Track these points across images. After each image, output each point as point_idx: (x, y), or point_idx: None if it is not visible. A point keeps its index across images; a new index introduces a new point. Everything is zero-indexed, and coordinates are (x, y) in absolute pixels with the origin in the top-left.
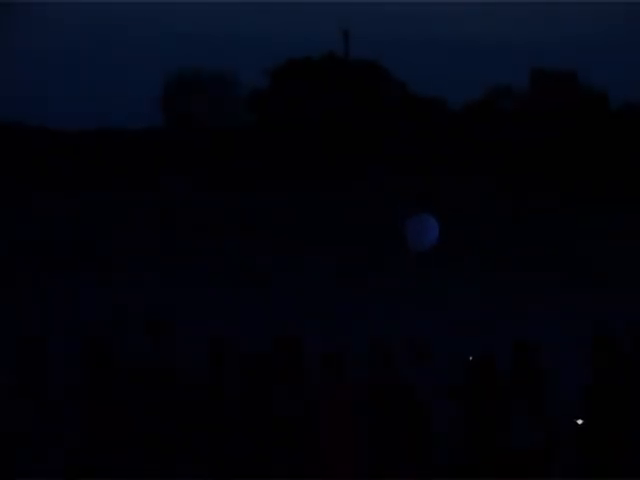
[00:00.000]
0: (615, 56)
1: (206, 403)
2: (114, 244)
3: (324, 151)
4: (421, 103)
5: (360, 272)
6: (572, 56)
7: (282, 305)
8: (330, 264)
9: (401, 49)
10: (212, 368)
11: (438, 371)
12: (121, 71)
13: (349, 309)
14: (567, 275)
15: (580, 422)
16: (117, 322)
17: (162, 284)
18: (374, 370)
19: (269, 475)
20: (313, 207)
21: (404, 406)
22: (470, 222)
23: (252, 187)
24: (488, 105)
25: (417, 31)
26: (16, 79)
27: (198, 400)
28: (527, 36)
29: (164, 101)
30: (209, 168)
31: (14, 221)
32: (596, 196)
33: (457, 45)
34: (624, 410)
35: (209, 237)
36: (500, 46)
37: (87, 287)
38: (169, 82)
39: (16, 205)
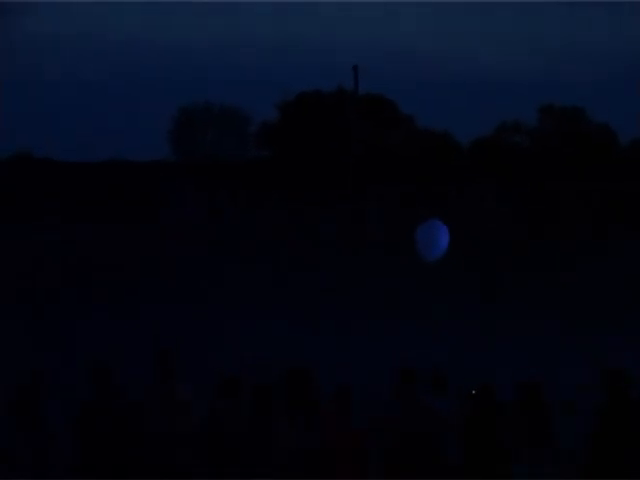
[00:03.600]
0: (623, 93)
1: (212, 435)
2: (120, 274)
3: (334, 183)
4: (429, 137)
5: (371, 298)
6: (580, 92)
7: (293, 335)
8: (340, 292)
9: (412, 85)
10: (220, 400)
11: (451, 400)
12: (132, 104)
13: (363, 339)
14: (577, 309)
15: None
16: (122, 352)
17: (169, 314)
18: (398, 398)
19: None
20: (322, 236)
21: (422, 435)
22: (477, 252)
23: (261, 218)
24: (497, 140)
25: (428, 68)
26: (27, 111)
27: (203, 432)
28: (536, 72)
29: (175, 134)
30: (219, 200)
31: (19, 253)
32: (604, 228)
33: (467, 82)
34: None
35: (214, 268)
36: (509, 82)
37: (94, 317)
38: (180, 115)
39: (22, 236)
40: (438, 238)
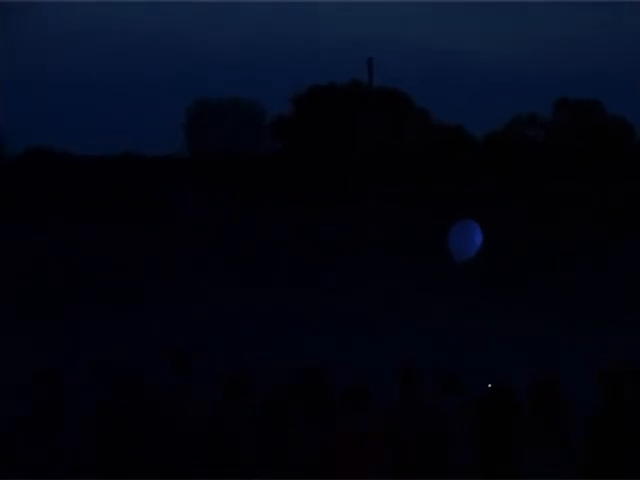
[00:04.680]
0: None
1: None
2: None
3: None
4: (443, 131)
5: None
6: (597, 86)
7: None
8: (348, 291)
9: (427, 79)
10: (227, 400)
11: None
12: (146, 98)
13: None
14: (589, 308)
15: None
16: (123, 352)
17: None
18: (400, 399)
19: None
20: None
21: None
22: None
23: (275, 213)
24: (511, 134)
25: (444, 62)
26: (43, 105)
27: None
28: (552, 66)
29: (188, 128)
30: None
31: (36, 249)
32: (622, 225)
33: (483, 75)
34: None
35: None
36: (525, 76)
37: (95, 317)
38: (193, 109)
39: (39, 233)
40: (472, 238)
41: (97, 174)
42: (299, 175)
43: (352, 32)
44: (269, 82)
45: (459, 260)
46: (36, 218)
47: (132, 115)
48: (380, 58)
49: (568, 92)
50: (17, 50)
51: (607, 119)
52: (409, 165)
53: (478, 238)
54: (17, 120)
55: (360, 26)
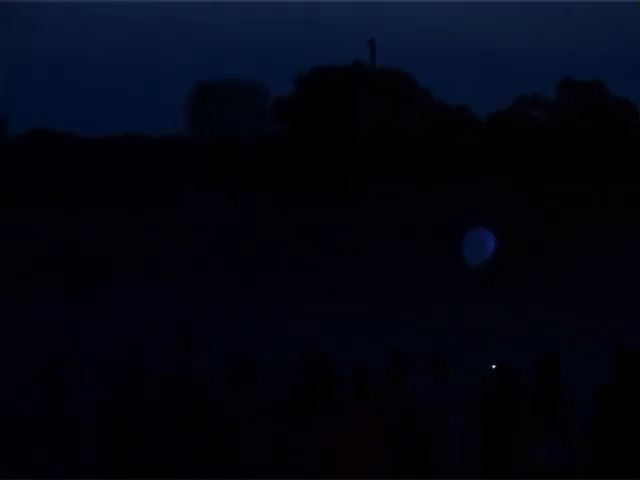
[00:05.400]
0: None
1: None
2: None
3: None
4: (445, 111)
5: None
6: (600, 67)
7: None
8: (344, 278)
9: (432, 61)
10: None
11: (455, 386)
12: (150, 80)
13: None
14: (590, 294)
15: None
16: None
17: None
18: (389, 384)
19: None
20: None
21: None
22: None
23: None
24: (514, 114)
25: (448, 44)
26: (47, 86)
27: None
28: (556, 48)
29: (191, 109)
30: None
31: (42, 233)
32: (622, 225)
33: (487, 57)
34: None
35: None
36: (528, 57)
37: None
38: (196, 91)
39: (43, 218)
40: (485, 245)
41: (99, 157)
42: (301, 158)
43: (355, 13)
44: (272, 64)
45: (473, 265)
46: (37, 213)
47: (135, 98)
48: (382, 39)
49: (571, 73)
50: (18, 33)
51: (610, 100)
52: (411, 145)
53: (491, 245)
54: (19, 102)
55: (363, 7)
